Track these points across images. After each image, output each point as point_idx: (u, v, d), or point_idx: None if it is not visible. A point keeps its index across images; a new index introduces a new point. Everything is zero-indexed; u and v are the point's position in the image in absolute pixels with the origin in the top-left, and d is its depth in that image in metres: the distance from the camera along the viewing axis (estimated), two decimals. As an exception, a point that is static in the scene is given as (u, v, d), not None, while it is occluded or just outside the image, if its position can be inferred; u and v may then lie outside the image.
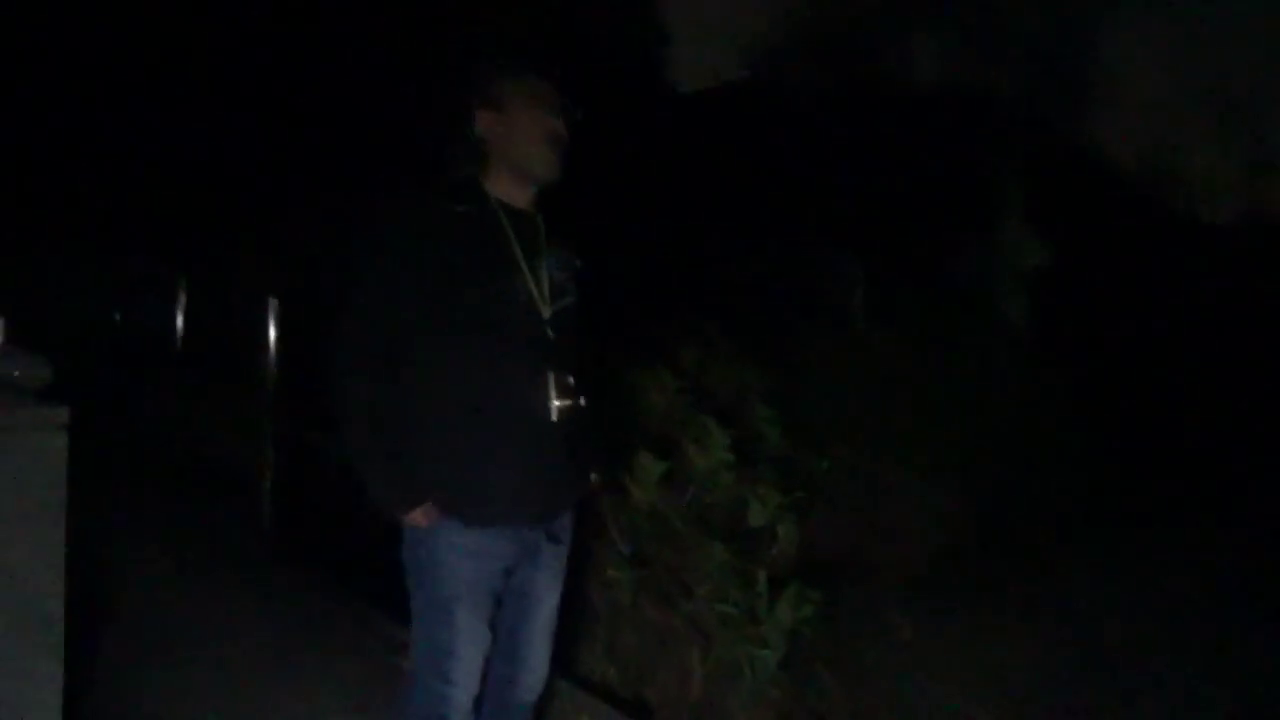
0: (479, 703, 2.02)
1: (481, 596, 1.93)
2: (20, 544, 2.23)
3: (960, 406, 4.88)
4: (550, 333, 1.93)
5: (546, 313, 1.94)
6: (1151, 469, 6.11)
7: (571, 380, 1.94)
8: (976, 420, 4.90)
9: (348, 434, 1.90)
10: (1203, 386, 7.39)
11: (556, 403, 1.90)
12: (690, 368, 3.48)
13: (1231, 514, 5.83)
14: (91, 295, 8.91)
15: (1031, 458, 5.32)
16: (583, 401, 1.97)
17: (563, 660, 3.20)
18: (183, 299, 6.18)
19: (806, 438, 3.97)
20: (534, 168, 1.97)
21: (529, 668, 2.07)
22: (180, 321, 6.23)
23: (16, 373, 2.30)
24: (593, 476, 2.14)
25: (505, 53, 2.12)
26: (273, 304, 4.70)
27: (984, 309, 6.85)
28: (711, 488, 2.97)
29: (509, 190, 1.98)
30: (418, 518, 1.89)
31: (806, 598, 2.88)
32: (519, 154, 1.96)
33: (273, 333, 4.64)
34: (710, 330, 3.75)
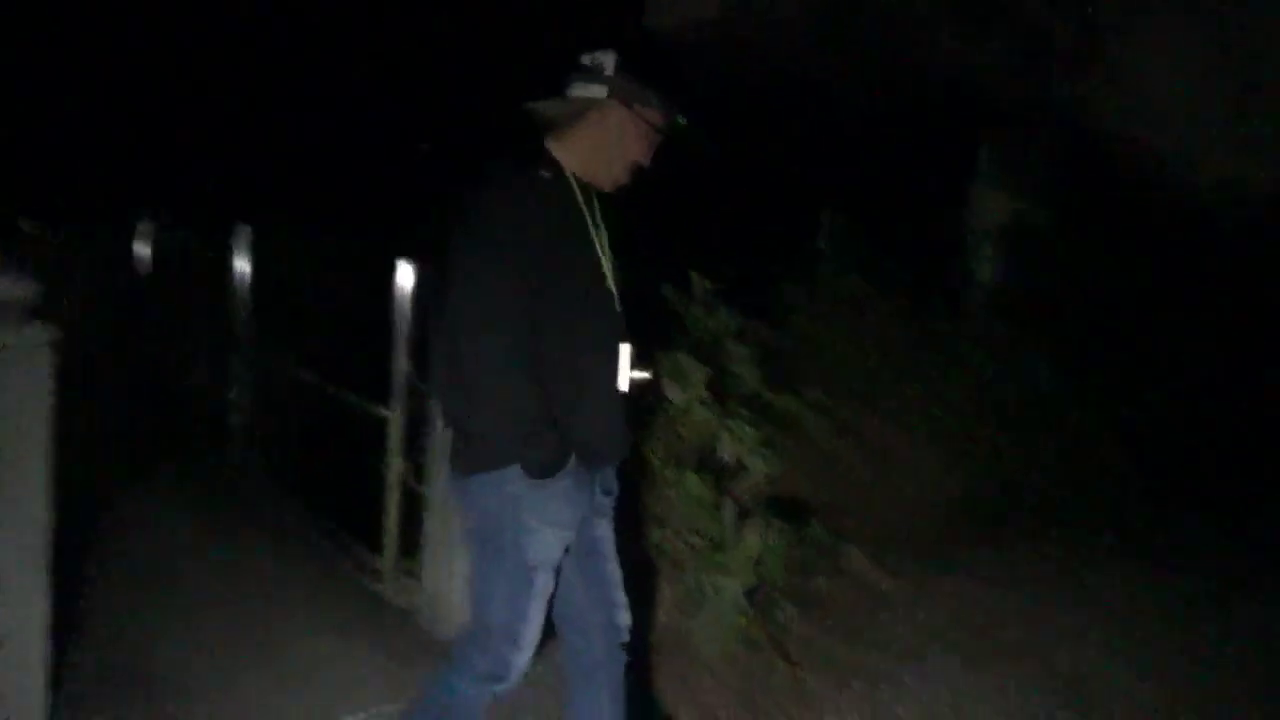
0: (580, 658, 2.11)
1: (557, 560, 1.97)
2: (6, 462, 2.25)
3: (931, 362, 4.97)
4: (618, 305, 1.96)
5: (612, 283, 1.96)
6: (1134, 440, 6.19)
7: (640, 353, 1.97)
8: (953, 377, 4.99)
9: (509, 408, 1.81)
10: (1178, 352, 7.50)
11: (633, 374, 1.95)
12: (667, 307, 3.54)
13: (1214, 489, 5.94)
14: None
15: (1013, 422, 5.36)
16: (652, 375, 2.00)
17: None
18: (150, 230, 6.07)
19: (780, 379, 4.04)
20: (603, 176, 1.97)
21: (620, 604, 2.14)
22: (148, 253, 6.13)
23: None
24: None
25: (676, 70, 2.02)
26: (244, 231, 4.65)
27: (955, 266, 6.93)
28: (686, 423, 3.06)
29: (577, 163, 1.95)
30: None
31: (772, 528, 2.98)
32: (606, 158, 1.95)
33: (244, 262, 4.60)
34: (688, 271, 3.79)
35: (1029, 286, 6.72)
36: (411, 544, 3.22)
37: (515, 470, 1.84)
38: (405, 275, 3.19)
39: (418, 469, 3.13)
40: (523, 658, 1.97)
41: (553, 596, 2.00)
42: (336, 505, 3.84)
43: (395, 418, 3.27)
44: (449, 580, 2.91)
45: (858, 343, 4.58)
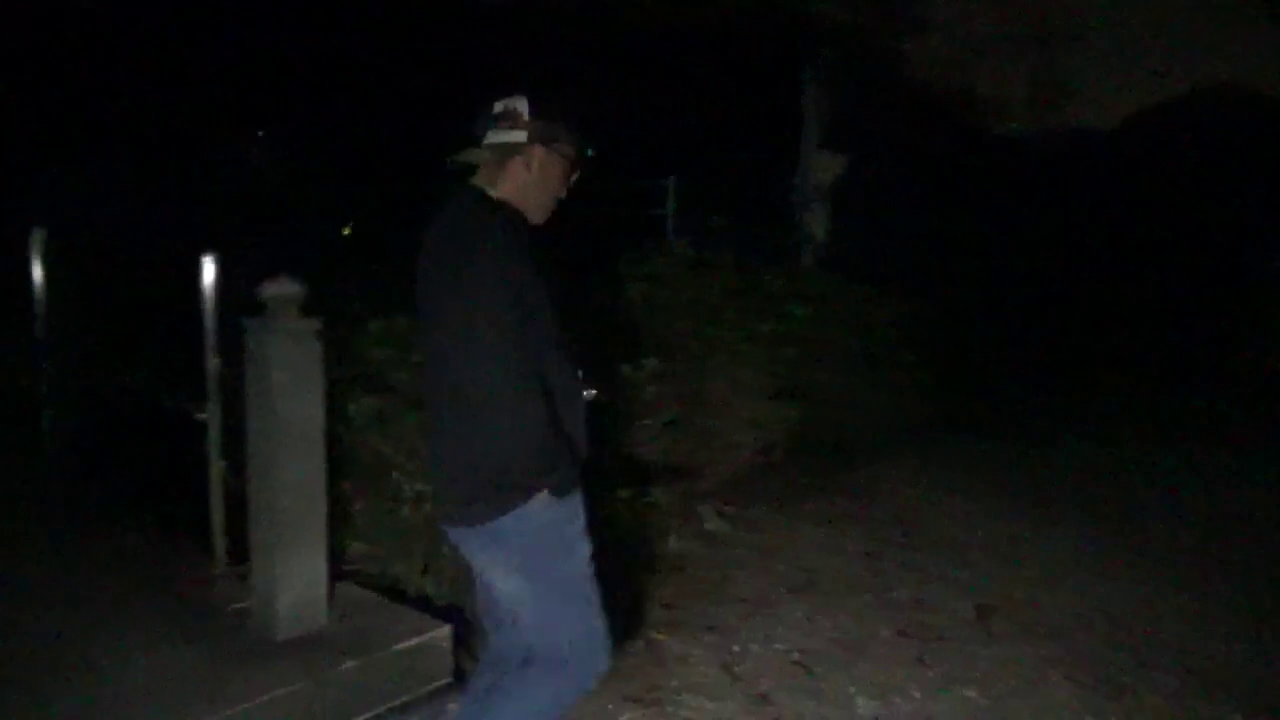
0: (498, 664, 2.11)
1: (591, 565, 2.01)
2: None
3: (771, 319, 5.10)
4: (562, 332, 2.00)
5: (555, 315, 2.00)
6: (958, 379, 6.57)
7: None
8: (786, 332, 5.14)
9: (531, 433, 1.84)
10: (1002, 295, 8.00)
11: (591, 393, 2.03)
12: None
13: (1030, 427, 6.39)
14: None
15: (843, 370, 5.60)
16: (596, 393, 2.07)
17: (385, 578, 3.22)
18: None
19: (621, 347, 4.06)
20: (533, 213, 2.00)
21: None
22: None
23: None
24: None
25: (582, 111, 2.05)
26: (38, 235, 4.29)
27: (789, 224, 7.15)
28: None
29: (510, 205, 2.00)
30: None
31: (621, 497, 2.99)
32: (535, 197, 2.00)
33: (38, 268, 4.24)
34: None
35: (859, 239, 7.02)
36: (241, 546, 3.06)
37: (544, 497, 1.88)
38: (209, 271, 3.01)
39: (237, 466, 2.96)
40: (603, 664, 2.01)
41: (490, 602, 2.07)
42: (161, 509, 3.63)
43: (212, 417, 3.10)
44: (278, 579, 2.79)
45: (696, 306, 4.65)
